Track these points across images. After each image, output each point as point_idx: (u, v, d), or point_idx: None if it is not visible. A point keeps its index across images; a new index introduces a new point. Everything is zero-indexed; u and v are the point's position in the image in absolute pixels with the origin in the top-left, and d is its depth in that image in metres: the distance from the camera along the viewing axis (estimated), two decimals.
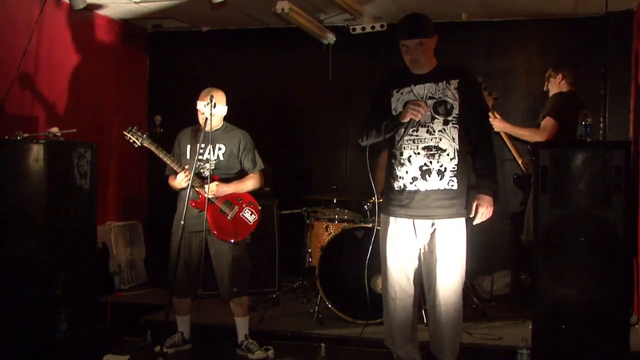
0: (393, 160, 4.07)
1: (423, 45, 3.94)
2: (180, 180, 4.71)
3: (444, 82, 3.97)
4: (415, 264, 4.08)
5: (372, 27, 6.85)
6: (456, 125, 3.93)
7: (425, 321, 5.00)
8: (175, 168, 4.74)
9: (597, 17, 6.32)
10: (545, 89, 5.50)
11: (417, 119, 3.89)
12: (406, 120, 3.90)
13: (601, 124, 6.41)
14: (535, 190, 4.18)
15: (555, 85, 5.38)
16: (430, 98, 3.97)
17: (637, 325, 5.32)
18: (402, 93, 4.03)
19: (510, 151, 5.78)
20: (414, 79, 4.03)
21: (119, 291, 6.55)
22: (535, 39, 6.82)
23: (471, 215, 4.00)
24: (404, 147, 3.99)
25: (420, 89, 3.99)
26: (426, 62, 4.00)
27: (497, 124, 5.41)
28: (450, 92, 3.94)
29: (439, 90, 3.96)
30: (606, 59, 6.30)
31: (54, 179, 4.58)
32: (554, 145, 4.26)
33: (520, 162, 5.74)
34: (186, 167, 4.74)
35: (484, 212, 3.98)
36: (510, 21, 6.79)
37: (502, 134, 5.58)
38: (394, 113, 4.03)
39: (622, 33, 6.30)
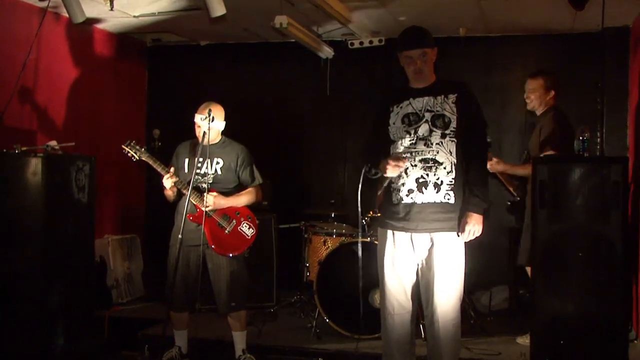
0: None
1: (426, 55, 3.96)
2: (166, 184, 4.71)
3: (442, 96, 3.97)
4: (413, 279, 4.06)
5: (370, 42, 6.89)
6: (454, 139, 3.93)
7: (423, 336, 4.99)
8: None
9: (594, 32, 6.36)
10: (531, 106, 5.28)
11: (393, 175, 3.94)
12: (386, 175, 3.95)
13: (598, 139, 6.42)
14: (533, 206, 4.18)
15: (544, 101, 5.20)
16: (428, 111, 3.97)
17: (635, 342, 5.31)
18: (401, 107, 4.04)
19: (501, 181, 5.56)
20: (412, 93, 4.04)
21: (117, 305, 6.52)
22: (533, 54, 6.85)
23: (460, 234, 3.95)
24: None
25: (419, 102, 4.00)
26: (429, 73, 4.01)
27: (495, 166, 5.24)
28: (448, 106, 3.95)
29: (437, 104, 3.96)
30: (603, 74, 6.32)
31: (52, 193, 4.58)
32: (551, 161, 4.26)
33: (511, 190, 5.53)
34: (171, 170, 4.73)
35: (471, 230, 3.93)
36: (508, 36, 6.83)
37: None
38: (391, 124, 4.03)
39: (619, 49, 6.35)
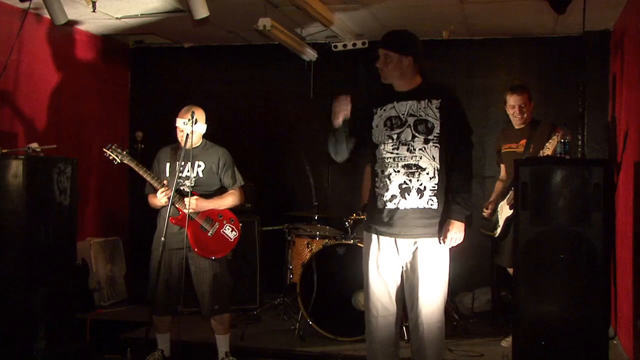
0: (375, 178, 4.08)
1: (388, 58, 3.93)
2: (160, 198, 4.70)
3: (426, 100, 3.96)
4: (398, 281, 4.06)
5: (354, 45, 6.90)
6: (437, 145, 3.92)
7: (406, 338, 5.00)
8: (155, 185, 4.73)
9: (575, 36, 6.42)
10: (522, 121, 5.30)
11: (342, 117, 3.97)
12: (337, 120, 3.98)
13: (579, 142, 6.47)
14: (516, 208, 4.21)
15: (529, 112, 5.32)
16: (411, 115, 3.97)
17: (614, 340, 5.36)
18: (384, 110, 4.04)
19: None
20: (396, 96, 4.03)
21: (99, 308, 6.49)
22: (516, 57, 6.90)
23: (441, 241, 3.96)
24: (385, 165, 3.99)
25: (402, 106, 3.99)
26: (395, 78, 3.98)
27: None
28: (431, 111, 3.93)
29: (420, 109, 3.95)
30: (584, 77, 6.38)
31: (33, 195, 4.55)
32: (533, 163, 4.28)
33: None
34: (165, 182, 4.73)
35: (452, 238, 3.92)
36: (491, 39, 6.87)
37: None
38: (374, 127, 4.04)
39: (600, 52, 6.41)
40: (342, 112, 3.98)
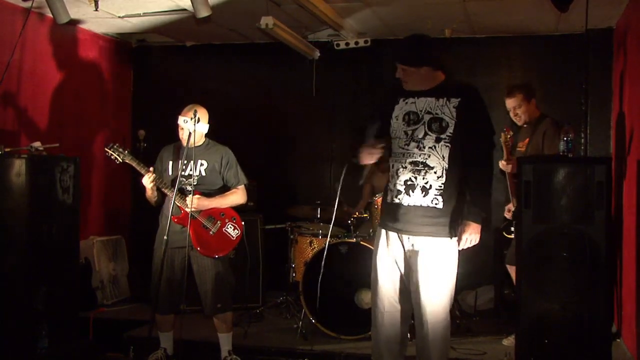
0: (389, 172, 4.08)
1: (407, 71, 3.93)
2: (145, 183, 4.69)
3: (444, 98, 3.91)
4: (405, 278, 4.05)
5: (356, 43, 6.89)
6: (448, 144, 3.87)
7: (409, 336, 5.00)
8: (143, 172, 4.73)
9: (578, 34, 6.40)
10: (522, 122, 5.30)
11: (367, 162, 3.95)
12: (360, 162, 3.95)
13: (582, 140, 6.47)
14: (519, 206, 4.21)
15: (531, 111, 5.28)
16: (427, 113, 3.93)
17: (618, 340, 5.35)
18: (406, 103, 4.01)
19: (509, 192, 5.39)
20: (418, 92, 4.01)
21: (102, 307, 6.49)
22: (518, 55, 6.89)
23: (456, 240, 3.94)
24: (395, 160, 3.99)
25: (421, 102, 3.96)
26: (417, 84, 3.96)
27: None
28: (448, 110, 3.89)
29: (437, 107, 3.91)
30: (587, 75, 6.38)
31: (36, 194, 4.55)
32: (536, 161, 4.28)
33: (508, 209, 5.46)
34: (151, 169, 4.72)
35: (468, 239, 3.91)
36: (493, 37, 6.86)
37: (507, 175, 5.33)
38: (393, 118, 4.02)
39: (603, 50, 6.40)
40: (371, 157, 3.94)
